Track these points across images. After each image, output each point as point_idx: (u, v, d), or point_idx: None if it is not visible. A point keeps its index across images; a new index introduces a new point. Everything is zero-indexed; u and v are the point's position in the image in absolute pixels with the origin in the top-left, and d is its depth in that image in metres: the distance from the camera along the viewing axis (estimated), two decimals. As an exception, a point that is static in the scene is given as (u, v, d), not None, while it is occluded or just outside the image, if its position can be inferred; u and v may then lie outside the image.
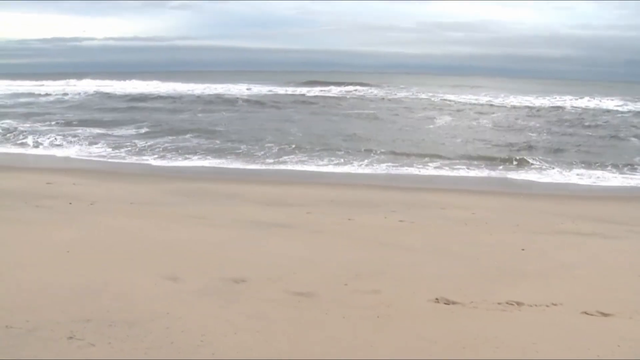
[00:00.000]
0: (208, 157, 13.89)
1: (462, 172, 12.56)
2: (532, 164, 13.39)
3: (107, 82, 45.90)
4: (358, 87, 42.08)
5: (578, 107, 29.59)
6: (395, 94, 36.82)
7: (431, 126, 21.05)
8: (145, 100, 30.19)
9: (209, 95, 34.59)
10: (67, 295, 3.66)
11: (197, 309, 3.54)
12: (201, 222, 6.38)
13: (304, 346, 3.09)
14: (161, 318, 3.34)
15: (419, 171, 12.56)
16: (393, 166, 12.94)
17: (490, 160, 13.88)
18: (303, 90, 39.87)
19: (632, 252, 5.76)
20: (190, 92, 36.99)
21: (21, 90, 38.11)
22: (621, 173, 12.72)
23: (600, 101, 33.90)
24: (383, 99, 33.69)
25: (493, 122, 22.34)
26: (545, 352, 3.11)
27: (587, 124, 22.06)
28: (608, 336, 3.36)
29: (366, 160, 13.47)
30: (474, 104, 31.26)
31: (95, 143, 15.98)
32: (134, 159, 13.64)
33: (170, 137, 16.91)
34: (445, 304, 3.80)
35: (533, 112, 27.25)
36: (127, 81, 47.83)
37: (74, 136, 17.11)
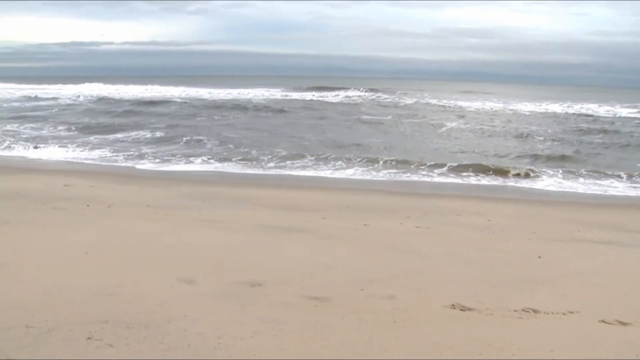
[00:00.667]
0: (223, 161, 13.94)
1: (476, 179, 12.51)
2: (547, 172, 13.29)
3: (122, 86, 46.38)
4: (370, 93, 42.17)
5: (594, 114, 29.40)
6: (409, 100, 36.77)
7: (445, 133, 20.99)
8: (160, 104, 30.37)
9: (224, 100, 34.82)
10: (85, 296, 3.69)
11: (213, 311, 3.56)
12: (217, 226, 6.41)
13: (319, 350, 3.10)
14: (178, 320, 3.36)
15: (433, 178, 12.52)
16: (407, 172, 12.92)
17: (504, 167, 13.81)
18: (316, 95, 40.00)
19: (650, 261, 5.70)
20: (205, 97, 37.28)
21: (38, 93, 38.47)
22: (637, 182, 12.59)
23: (616, 108, 33.68)
24: (396, 105, 33.68)
25: (507, 129, 22.23)
26: (562, 360, 3.09)
27: (602, 131, 21.87)
28: (626, 345, 3.33)
29: (379, 166, 13.46)
30: (488, 110, 31.16)
31: (110, 146, 16.13)
32: (149, 163, 13.74)
33: (185, 141, 17.04)
34: (461, 310, 3.79)
35: (548, 119, 27.10)
36: (143, 86, 48.30)
37: (88, 141, 17.30)
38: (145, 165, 13.45)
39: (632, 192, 11.59)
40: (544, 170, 13.47)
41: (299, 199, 9.11)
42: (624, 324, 3.65)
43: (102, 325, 3.22)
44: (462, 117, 27.14)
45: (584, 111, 31.39)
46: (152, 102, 31.31)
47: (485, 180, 12.40)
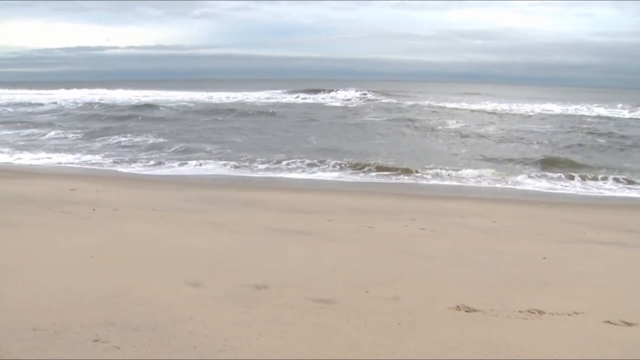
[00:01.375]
0: (227, 164, 14.00)
1: (482, 180, 12.50)
2: (552, 173, 13.27)
3: (125, 90, 46.57)
4: (373, 95, 42.13)
5: (598, 115, 29.30)
6: (413, 102, 36.71)
7: (450, 134, 20.99)
8: (162, 109, 30.43)
9: (227, 103, 34.98)
10: (91, 299, 3.71)
11: (219, 314, 3.58)
12: (222, 229, 6.44)
13: (325, 352, 3.11)
14: (184, 323, 3.38)
15: (437, 180, 12.52)
16: (410, 174, 12.92)
17: (509, 169, 13.82)
18: (318, 97, 39.98)
19: (656, 261, 5.69)
20: (209, 101, 37.41)
21: (41, 99, 38.48)
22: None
23: (620, 109, 33.54)
24: (400, 106, 33.62)
25: (511, 130, 22.22)
26: (567, 361, 3.10)
27: (607, 132, 21.80)
28: (631, 346, 3.33)
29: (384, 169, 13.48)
30: (491, 112, 31.10)
31: (116, 150, 16.22)
32: (154, 166, 13.82)
33: (188, 145, 17.12)
34: (466, 311, 3.80)
35: (552, 119, 27.03)
36: (146, 90, 48.48)
37: (87, 146, 17.44)
38: (150, 168, 13.52)
39: (637, 194, 11.56)
40: (550, 170, 13.46)
41: (304, 202, 9.13)
42: (629, 324, 3.65)
43: (109, 328, 3.24)
44: (468, 118, 27.12)
45: (588, 112, 31.30)
46: (154, 106, 31.42)
47: (492, 181, 12.40)
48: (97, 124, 23.82)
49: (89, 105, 33.02)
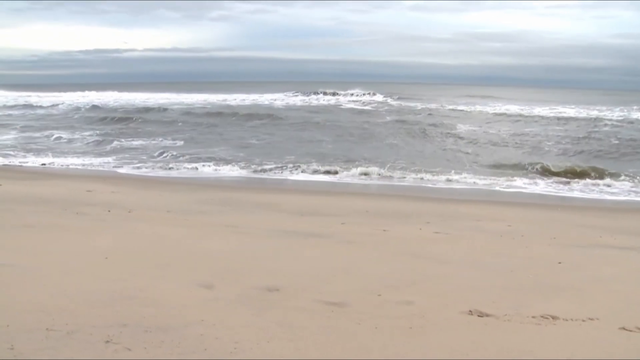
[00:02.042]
0: (242, 166, 14.07)
1: (497, 183, 12.42)
2: (568, 176, 13.15)
3: (147, 94, 46.92)
4: (389, 97, 42.00)
5: (617, 118, 28.92)
6: (429, 105, 36.52)
7: (466, 137, 20.87)
8: (181, 110, 30.60)
9: (243, 105, 35.11)
10: (104, 300, 3.74)
11: (230, 316, 3.58)
12: (235, 231, 6.45)
13: (336, 355, 3.10)
14: (195, 325, 3.39)
15: (452, 183, 12.46)
16: (426, 178, 12.87)
17: (526, 172, 13.71)
18: (333, 99, 39.91)
19: (674, 267, 5.60)
20: (225, 103, 37.55)
21: (57, 101, 38.73)
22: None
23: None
24: (416, 109, 33.48)
25: (528, 133, 22.03)
26: (581, 368, 3.06)
27: (626, 136, 21.53)
28: (647, 353, 3.28)
29: (397, 172, 13.43)
30: (508, 114, 30.86)
31: (130, 152, 16.35)
32: (169, 168, 13.92)
33: (202, 147, 17.24)
34: (479, 316, 3.76)
35: (569, 123, 26.75)
36: (163, 93, 48.82)
37: (106, 148, 17.59)
38: (166, 171, 13.62)
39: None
40: (567, 174, 13.33)
41: (318, 205, 9.13)
42: (646, 331, 3.59)
43: (121, 329, 3.26)
44: (485, 121, 26.96)
45: (606, 115, 30.90)
46: (168, 108, 31.62)
47: (506, 185, 12.30)
48: (111, 125, 24.04)
49: (104, 107, 33.23)
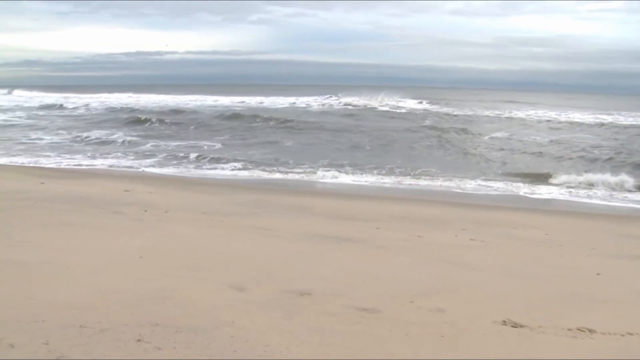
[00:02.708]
0: (278, 169, 14.13)
1: (535, 191, 12.17)
2: (610, 185, 12.80)
3: (187, 96, 47.52)
4: (428, 103, 41.56)
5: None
6: (467, 111, 36.02)
7: (502, 144, 20.53)
8: (224, 115, 30.82)
9: (280, 108, 35.26)
10: (137, 299, 3.78)
11: (261, 319, 3.57)
12: (269, 234, 6.46)
13: (366, 362, 3.06)
14: (226, 326, 3.39)
15: (488, 190, 12.28)
16: (462, 185, 12.71)
17: (565, 180, 13.40)
18: (369, 103, 39.67)
19: None
20: (262, 106, 37.79)
21: (94, 102, 39.45)
22: None
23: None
24: (453, 114, 33.11)
25: (567, 140, 21.54)
26: (620, 383, 2.95)
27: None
28: (691, 370, 3.15)
29: (434, 178, 13.31)
30: (548, 120, 30.29)
31: (170, 153, 16.57)
32: (206, 170, 14.08)
33: (240, 151, 17.36)
34: (512, 326, 3.67)
35: (609, 129, 26.10)
36: (200, 95, 49.39)
37: (148, 150, 17.86)
38: (204, 172, 13.79)
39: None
40: (608, 182, 12.97)
41: (354, 209, 9.08)
42: (689, 347, 3.45)
43: (152, 328, 3.28)
44: (525, 127, 26.52)
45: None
46: (204, 110, 31.93)
47: (543, 193, 12.05)
48: (149, 126, 24.42)
49: (144, 109, 33.71)
